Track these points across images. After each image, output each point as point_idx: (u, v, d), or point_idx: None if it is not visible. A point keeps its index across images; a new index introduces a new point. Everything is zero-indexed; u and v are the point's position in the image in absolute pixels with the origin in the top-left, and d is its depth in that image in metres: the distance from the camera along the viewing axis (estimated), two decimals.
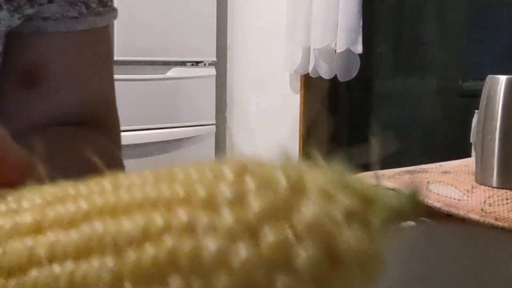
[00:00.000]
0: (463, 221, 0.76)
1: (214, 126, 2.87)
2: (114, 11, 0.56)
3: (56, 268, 0.21)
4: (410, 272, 0.79)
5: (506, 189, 0.81)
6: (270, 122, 2.83)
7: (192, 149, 2.80)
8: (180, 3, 2.69)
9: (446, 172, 0.88)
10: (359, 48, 2.46)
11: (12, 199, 0.24)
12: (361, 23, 2.46)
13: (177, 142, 2.75)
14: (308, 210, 0.20)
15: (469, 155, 1.05)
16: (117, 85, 0.59)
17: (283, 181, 0.21)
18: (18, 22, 0.51)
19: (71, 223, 0.22)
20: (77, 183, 0.24)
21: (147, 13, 2.61)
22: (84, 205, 0.22)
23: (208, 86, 2.84)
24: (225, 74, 3.03)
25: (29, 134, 0.52)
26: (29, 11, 0.51)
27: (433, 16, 2.64)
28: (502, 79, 0.82)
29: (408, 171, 0.88)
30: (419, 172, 0.88)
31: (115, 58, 2.54)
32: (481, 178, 0.84)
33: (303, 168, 0.22)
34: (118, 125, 0.59)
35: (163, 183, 0.22)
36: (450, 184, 0.82)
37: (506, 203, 0.76)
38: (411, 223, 0.78)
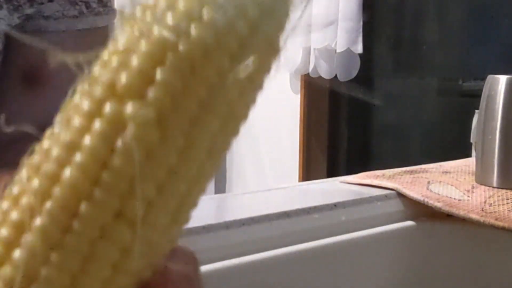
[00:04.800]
0: (463, 221, 0.76)
1: None
2: (114, 12, 0.57)
3: None
4: (410, 272, 0.79)
5: (506, 189, 0.81)
6: (270, 122, 2.83)
7: None
8: None
9: (446, 172, 0.88)
10: (359, 48, 2.46)
11: None
12: (361, 23, 2.46)
13: None
14: None
15: (469, 155, 1.04)
16: None
17: None
18: (17, 21, 0.51)
19: None
20: None
21: None
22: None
23: None
24: None
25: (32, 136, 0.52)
26: (29, 10, 0.51)
27: (433, 16, 2.64)
28: (502, 79, 0.82)
29: (408, 171, 0.88)
30: (419, 172, 0.88)
31: None
32: (482, 178, 0.84)
33: None
34: None
35: None
36: (450, 184, 0.82)
37: (507, 203, 0.76)
38: (411, 223, 0.78)
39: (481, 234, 0.77)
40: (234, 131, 0.27)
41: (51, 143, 0.25)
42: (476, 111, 0.89)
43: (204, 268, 0.59)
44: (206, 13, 0.25)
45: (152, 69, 0.25)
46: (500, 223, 0.73)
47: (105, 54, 0.26)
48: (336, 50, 2.49)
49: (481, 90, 0.85)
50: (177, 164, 0.25)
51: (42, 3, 0.52)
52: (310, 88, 2.70)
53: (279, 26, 0.27)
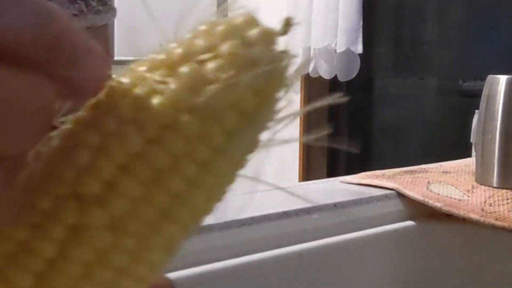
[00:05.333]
0: (463, 221, 0.76)
1: None
2: (113, 10, 0.56)
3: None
4: (410, 272, 0.79)
5: (506, 189, 0.81)
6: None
7: None
8: (180, 3, 2.69)
9: (446, 172, 0.88)
10: (359, 48, 2.46)
11: None
12: (361, 23, 2.46)
13: None
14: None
15: (469, 155, 1.04)
16: None
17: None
18: None
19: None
20: None
21: (147, 13, 2.61)
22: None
23: None
24: None
25: None
26: None
27: (433, 16, 2.64)
28: (502, 79, 0.82)
29: (408, 171, 0.88)
30: (419, 172, 0.88)
31: (115, 58, 2.54)
32: (482, 178, 0.84)
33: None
34: None
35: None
36: (450, 184, 0.82)
37: (507, 203, 0.76)
38: (411, 223, 0.78)
39: (481, 234, 0.77)
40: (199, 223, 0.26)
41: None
42: (476, 111, 0.89)
43: (204, 268, 0.59)
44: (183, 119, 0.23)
45: (115, 172, 0.23)
46: (500, 223, 0.73)
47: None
48: (336, 50, 2.49)
49: (481, 90, 0.85)
50: (125, 266, 0.24)
51: None
52: (310, 88, 2.70)
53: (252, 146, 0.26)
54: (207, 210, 0.26)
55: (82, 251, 0.23)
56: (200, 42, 0.25)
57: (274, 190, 0.79)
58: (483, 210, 0.75)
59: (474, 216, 0.75)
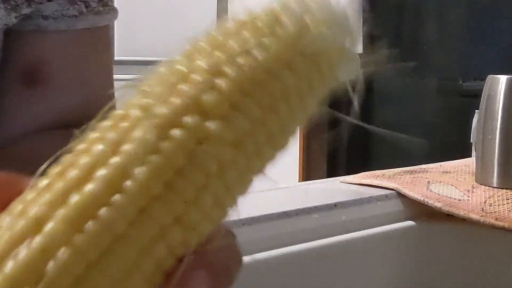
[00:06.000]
0: (463, 221, 0.76)
1: None
2: (114, 11, 0.56)
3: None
4: (410, 272, 0.79)
5: (506, 189, 0.81)
6: None
7: None
8: (180, 3, 2.69)
9: (446, 172, 0.88)
10: (359, 48, 2.46)
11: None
12: (361, 23, 2.46)
13: None
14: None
15: (469, 155, 1.04)
16: (117, 85, 0.59)
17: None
18: (14, 21, 0.51)
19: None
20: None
21: (147, 13, 2.61)
22: None
23: None
24: None
25: (35, 136, 0.52)
26: (26, 10, 0.51)
27: (433, 16, 2.64)
28: (502, 79, 0.82)
29: (408, 171, 0.88)
30: (419, 172, 0.88)
31: (115, 58, 2.54)
32: (482, 178, 0.84)
33: None
34: None
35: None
36: (450, 184, 0.82)
37: (507, 203, 0.76)
38: (411, 223, 0.78)
39: (481, 234, 0.77)
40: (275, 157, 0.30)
41: (119, 135, 0.27)
42: (476, 111, 0.89)
43: None
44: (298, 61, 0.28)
45: (238, 96, 0.27)
46: (500, 223, 0.73)
47: (183, 62, 0.28)
48: None
49: (481, 90, 0.85)
50: (233, 182, 0.27)
51: (41, 3, 0.51)
52: None
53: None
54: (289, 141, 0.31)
55: (208, 162, 0.26)
56: (293, 5, 0.29)
57: (274, 190, 0.79)
58: (483, 210, 0.75)
59: (474, 216, 0.75)
